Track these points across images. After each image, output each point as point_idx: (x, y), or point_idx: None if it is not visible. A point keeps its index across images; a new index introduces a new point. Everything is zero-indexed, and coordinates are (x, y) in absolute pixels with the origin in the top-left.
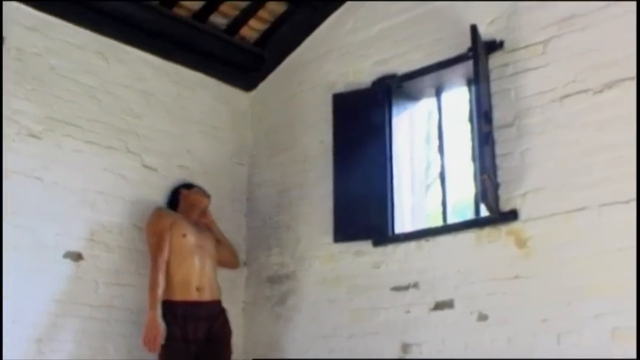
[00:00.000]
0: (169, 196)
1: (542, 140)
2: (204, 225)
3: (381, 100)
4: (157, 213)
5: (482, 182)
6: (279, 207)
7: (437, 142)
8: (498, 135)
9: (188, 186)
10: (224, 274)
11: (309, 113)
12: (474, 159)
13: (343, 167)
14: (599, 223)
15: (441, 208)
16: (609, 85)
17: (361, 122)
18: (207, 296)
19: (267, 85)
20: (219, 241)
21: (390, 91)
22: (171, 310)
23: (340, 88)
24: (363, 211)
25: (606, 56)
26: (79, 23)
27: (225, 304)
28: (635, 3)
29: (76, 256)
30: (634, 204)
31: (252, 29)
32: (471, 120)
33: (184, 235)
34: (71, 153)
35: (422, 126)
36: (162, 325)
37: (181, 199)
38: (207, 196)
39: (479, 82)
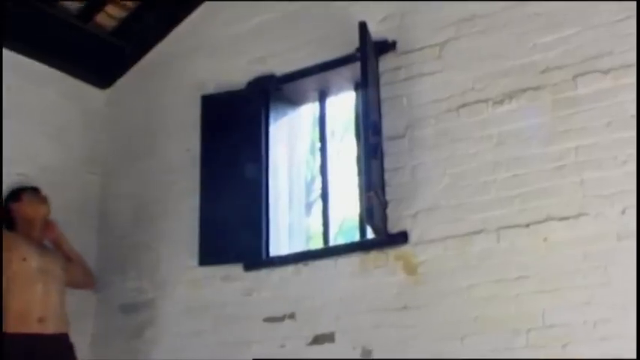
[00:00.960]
0: (3, 214)
1: (436, 154)
2: (51, 240)
3: (256, 104)
4: None
5: (369, 200)
6: (137, 223)
7: (320, 154)
8: (388, 147)
9: (16, 196)
10: (69, 300)
11: (175, 117)
12: (360, 174)
13: (212, 179)
14: (497, 249)
15: (322, 229)
16: (510, 95)
17: (234, 129)
18: (50, 328)
19: (127, 82)
20: (70, 259)
21: (267, 94)
22: (7, 344)
23: (210, 88)
24: (234, 230)
25: (508, 63)
26: None
27: (70, 336)
28: (634, 3)
29: None
30: (536, 227)
31: (110, 17)
32: (357, 129)
33: (24, 259)
34: None
35: (303, 135)
36: None
37: (14, 215)
38: (44, 202)
39: (367, 86)
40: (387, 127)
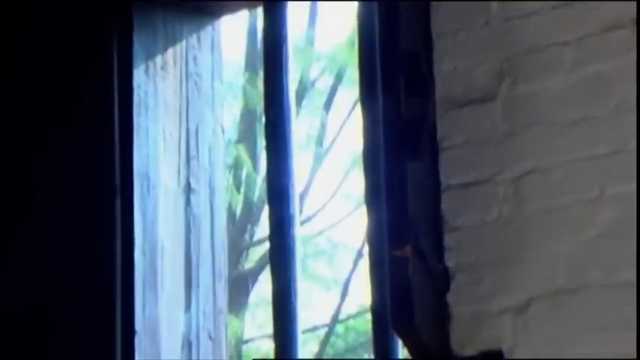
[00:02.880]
0: None
1: (572, 144)
2: None
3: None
4: None
5: (398, 266)
6: None
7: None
8: (449, 126)
9: None
10: None
11: None
12: (370, 196)
13: None
14: None
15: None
16: None
17: (35, 77)
18: None
19: None
20: None
21: None
22: None
23: None
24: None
25: None
26: None
27: None
28: (634, 3)
29: None
30: None
31: None
32: (365, 79)
33: None
34: None
35: (225, 97)
36: None
37: None
38: None
39: None
40: (448, 70)
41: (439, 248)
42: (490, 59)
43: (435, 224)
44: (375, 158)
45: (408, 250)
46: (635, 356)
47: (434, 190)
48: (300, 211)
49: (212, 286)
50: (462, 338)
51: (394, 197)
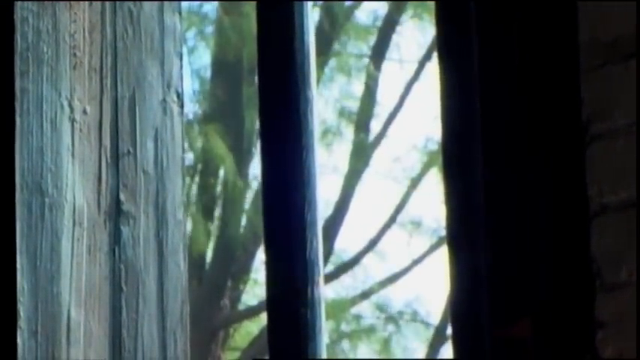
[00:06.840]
0: None
1: None
2: None
3: None
4: None
5: (505, 353)
6: None
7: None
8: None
9: None
10: None
11: None
12: (456, 228)
13: None
14: None
15: None
16: None
17: None
18: None
19: None
20: None
21: None
22: None
23: None
24: None
25: None
26: None
27: None
28: (634, 4)
29: None
30: None
31: None
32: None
33: None
34: None
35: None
36: None
37: None
38: None
39: None
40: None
41: (584, 324)
42: None
43: (576, 279)
44: (463, 155)
45: (524, 326)
46: (635, 356)
47: (575, 217)
48: (328, 255)
49: None
50: None
51: (498, 231)
